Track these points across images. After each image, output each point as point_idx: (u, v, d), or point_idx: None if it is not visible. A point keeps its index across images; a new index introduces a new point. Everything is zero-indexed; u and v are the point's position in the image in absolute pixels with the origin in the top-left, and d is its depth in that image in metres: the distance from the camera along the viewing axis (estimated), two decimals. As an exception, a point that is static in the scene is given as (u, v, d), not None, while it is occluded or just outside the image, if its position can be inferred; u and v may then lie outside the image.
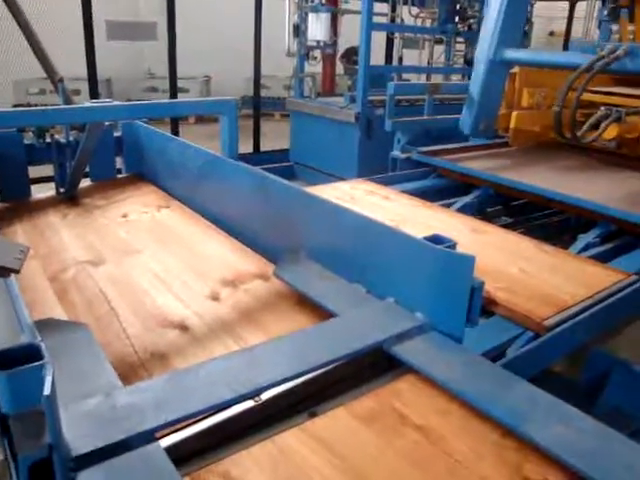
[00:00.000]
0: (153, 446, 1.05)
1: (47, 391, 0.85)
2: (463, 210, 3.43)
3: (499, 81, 4.09)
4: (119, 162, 3.18)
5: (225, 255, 2.15)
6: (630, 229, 3.06)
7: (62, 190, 2.84)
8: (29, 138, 2.85)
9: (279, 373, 1.26)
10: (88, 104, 2.23)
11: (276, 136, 8.66)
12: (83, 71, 6.80)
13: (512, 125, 4.22)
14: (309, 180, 6.73)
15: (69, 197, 2.82)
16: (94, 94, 6.81)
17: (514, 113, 4.19)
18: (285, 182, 2.00)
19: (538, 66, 4.22)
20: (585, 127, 3.59)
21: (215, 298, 1.82)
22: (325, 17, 6.58)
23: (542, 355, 1.95)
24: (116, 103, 2.26)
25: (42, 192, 2.93)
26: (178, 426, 1.15)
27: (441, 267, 1.45)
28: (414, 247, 1.51)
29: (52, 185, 2.91)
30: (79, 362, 1.31)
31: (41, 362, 0.89)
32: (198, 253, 2.17)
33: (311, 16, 6.66)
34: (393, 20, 7.58)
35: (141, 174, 3.12)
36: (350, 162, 6.36)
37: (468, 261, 1.39)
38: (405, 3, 6.95)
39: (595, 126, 3.66)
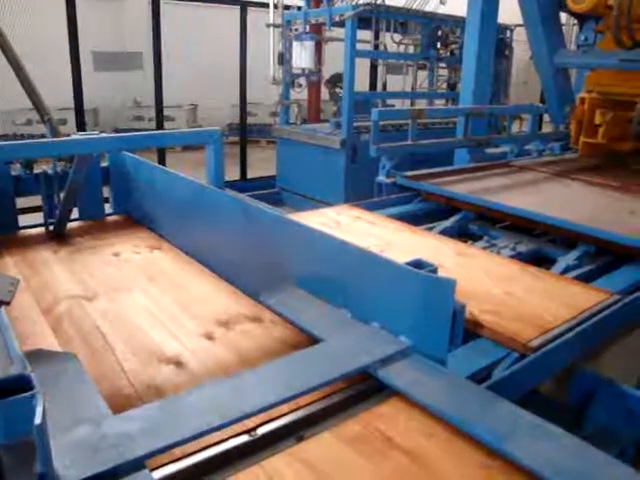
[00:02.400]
0: (142, 474, 1.07)
1: (38, 420, 0.87)
2: (448, 233, 3.47)
3: (563, 76, 5.43)
4: (106, 191, 3.19)
5: (217, 297, 2.14)
6: (613, 249, 3.11)
7: (51, 228, 2.84)
8: (16, 169, 2.87)
9: (266, 399, 1.28)
10: (76, 136, 2.25)
11: (262, 163, 8.73)
12: (69, 101, 6.86)
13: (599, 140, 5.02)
14: (296, 206, 6.78)
15: (58, 234, 2.82)
16: (81, 124, 6.86)
17: (601, 129, 4.98)
18: (270, 210, 2.03)
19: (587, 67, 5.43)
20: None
21: (209, 337, 1.82)
22: (309, 45, 6.69)
23: (528, 376, 1.97)
24: (104, 135, 2.28)
25: (30, 221, 2.94)
26: (166, 453, 1.16)
27: (423, 291, 1.48)
28: (396, 272, 1.54)
29: (39, 214, 2.92)
30: (69, 392, 1.31)
31: (32, 392, 0.91)
32: (190, 293, 2.16)
33: (295, 44, 6.77)
34: (377, 47, 7.72)
35: (129, 212, 3.14)
36: (336, 187, 6.43)
37: (449, 285, 1.43)
38: (388, 30, 7.08)
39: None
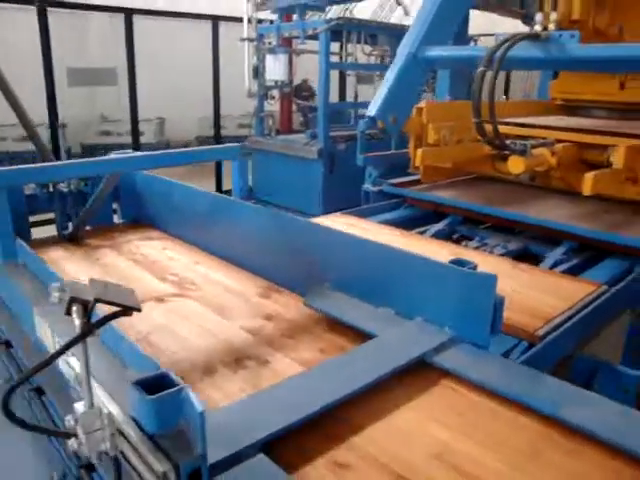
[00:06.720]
0: (259, 457, 1.19)
1: (199, 408, 1.00)
2: (440, 236, 3.66)
3: (415, 79, 3.78)
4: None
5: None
6: (595, 245, 3.34)
7: (65, 233, 2.92)
8: (30, 188, 2.92)
9: (341, 392, 1.42)
10: (112, 156, 2.35)
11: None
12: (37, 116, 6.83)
13: (417, 163, 3.95)
14: (275, 216, 6.83)
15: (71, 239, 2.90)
16: (55, 139, 6.84)
17: (418, 151, 3.87)
18: (302, 219, 2.18)
19: (460, 63, 4.03)
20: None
21: (255, 333, 1.95)
22: (283, 58, 6.83)
23: (537, 363, 2.16)
24: (133, 154, 2.38)
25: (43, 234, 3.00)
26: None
27: (467, 287, 1.66)
28: (440, 270, 1.72)
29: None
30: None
31: (178, 387, 1.04)
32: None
33: (269, 57, 6.90)
34: (341, 58, 7.90)
35: (140, 220, 3.23)
36: (314, 197, 6.52)
37: (491, 280, 1.61)
38: (359, 42, 7.27)
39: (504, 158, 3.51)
